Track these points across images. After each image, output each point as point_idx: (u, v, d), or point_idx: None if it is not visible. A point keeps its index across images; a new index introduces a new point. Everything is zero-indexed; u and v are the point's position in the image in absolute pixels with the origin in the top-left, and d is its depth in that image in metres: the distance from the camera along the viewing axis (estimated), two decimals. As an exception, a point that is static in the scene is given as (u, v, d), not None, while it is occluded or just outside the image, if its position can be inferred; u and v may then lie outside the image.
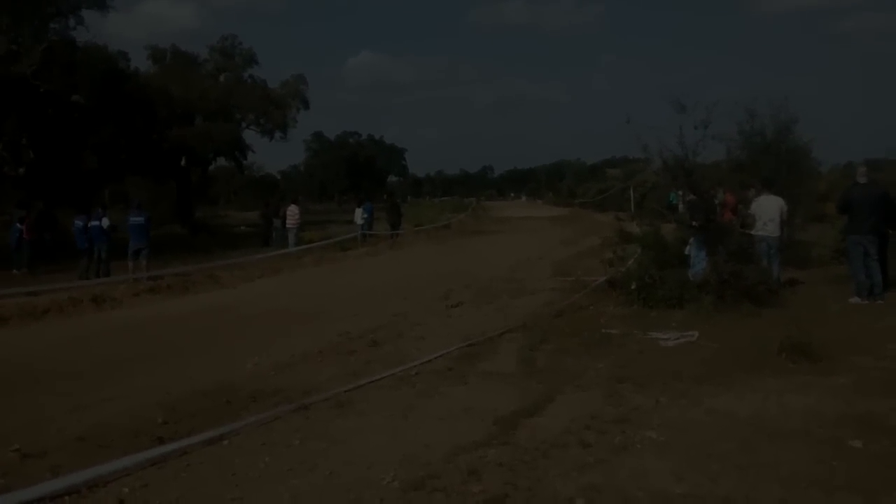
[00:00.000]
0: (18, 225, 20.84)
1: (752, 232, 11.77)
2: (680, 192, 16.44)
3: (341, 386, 6.76)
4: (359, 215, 28.07)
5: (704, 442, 5.02)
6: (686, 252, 11.87)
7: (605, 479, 4.41)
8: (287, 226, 25.46)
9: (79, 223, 18.29)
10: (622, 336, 8.67)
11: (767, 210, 11.70)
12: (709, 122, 10.74)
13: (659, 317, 9.71)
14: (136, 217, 17.61)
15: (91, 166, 31.88)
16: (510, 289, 13.31)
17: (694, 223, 11.66)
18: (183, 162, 41.32)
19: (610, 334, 8.80)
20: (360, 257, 22.70)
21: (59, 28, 27.45)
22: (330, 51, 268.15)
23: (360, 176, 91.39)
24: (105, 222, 17.78)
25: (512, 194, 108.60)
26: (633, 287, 10.69)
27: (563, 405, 6.04)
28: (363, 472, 4.67)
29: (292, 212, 25.60)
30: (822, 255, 14.24)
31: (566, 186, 62.00)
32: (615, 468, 4.60)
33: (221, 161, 50.04)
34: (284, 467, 4.85)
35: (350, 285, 15.53)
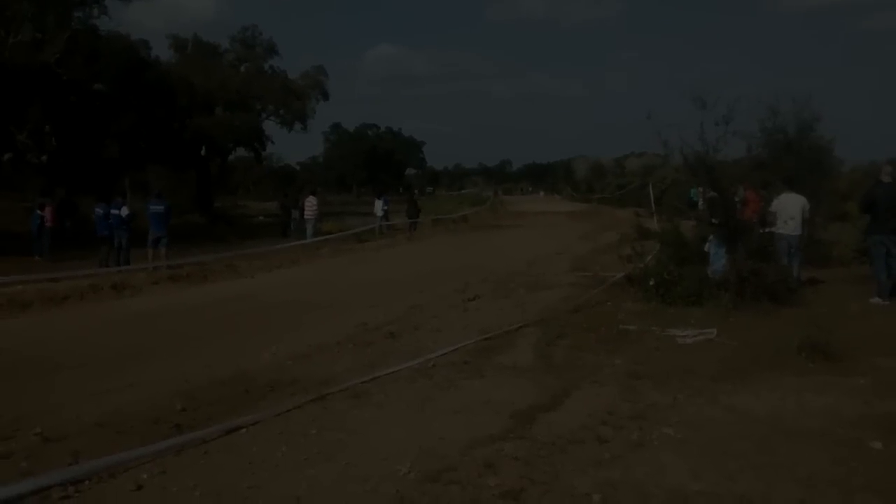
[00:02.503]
0: (39, 212, 21.06)
1: (773, 230, 11.67)
2: (700, 189, 16.35)
3: (358, 377, 6.78)
4: (378, 207, 28.15)
5: (722, 440, 5.00)
6: (705, 249, 11.80)
7: (621, 476, 4.40)
8: (305, 217, 25.57)
9: (99, 211, 18.45)
10: (640, 332, 8.64)
11: (788, 208, 11.60)
12: (730, 118, 10.67)
13: (677, 314, 9.66)
14: (156, 206, 17.73)
15: (112, 154, 32.12)
16: (527, 283, 13.29)
17: (714, 220, 11.59)
18: (203, 151, 41.54)
19: (627, 330, 8.76)
20: (378, 249, 22.76)
21: (83, 16, 27.67)
22: (349, 42, 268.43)
23: (379, 168, 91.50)
24: (124, 211, 17.90)
25: (530, 188, 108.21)
26: (651, 283, 10.65)
27: (580, 400, 6.03)
28: (380, 464, 4.69)
29: (311, 203, 25.69)
30: (844, 254, 14.13)
31: (584, 182, 61.72)
32: (632, 464, 4.59)
33: (241, 151, 50.20)
34: (301, 457, 4.87)
35: (367, 277, 15.56)
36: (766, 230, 11.84)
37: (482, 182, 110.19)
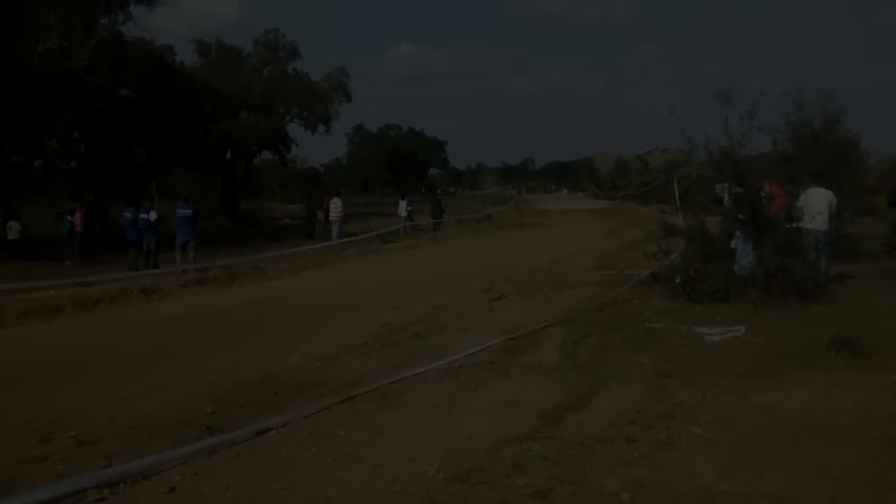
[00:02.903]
0: (69, 217, 21.38)
1: (800, 225, 11.55)
2: (725, 185, 16.20)
3: (385, 378, 6.82)
4: (402, 207, 28.21)
5: (751, 438, 4.97)
6: (732, 245, 11.71)
7: (650, 475, 4.40)
8: (330, 218, 25.68)
9: (127, 215, 18.69)
10: (666, 330, 8.60)
11: (816, 203, 11.47)
12: (755, 112, 10.58)
13: (704, 311, 9.59)
14: (184, 210, 17.91)
15: (139, 159, 32.54)
16: (552, 282, 13.26)
17: (740, 216, 11.49)
18: (228, 155, 41.93)
19: (654, 328, 8.73)
20: (403, 249, 22.81)
21: (108, 23, 28.04)
22: (370, 42, 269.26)
23: (402, 169, 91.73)
24: (153, 216, 18.14)
25: (553, 187, 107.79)
26: (677, 281, 10.59)
27: (607, 399, 6.02)
28: (408, 464, 4.72)
29: (335, 204, 25.79)
30: (872, 249, 13.94)
31: (608, 179, 61.42)
32: (661, 464, 4.58)
33: (266, 154, 50.62)
34: (330, 458, 4.91)
35: (393, 277, 15.62)
36: (793, 225, 11.71)
37: (497, 181, 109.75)
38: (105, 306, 12.24)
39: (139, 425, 5.78)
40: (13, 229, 21.50)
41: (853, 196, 15.63)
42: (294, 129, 47.48)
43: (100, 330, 10.45)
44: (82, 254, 20.84)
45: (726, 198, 15.78)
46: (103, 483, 4.47)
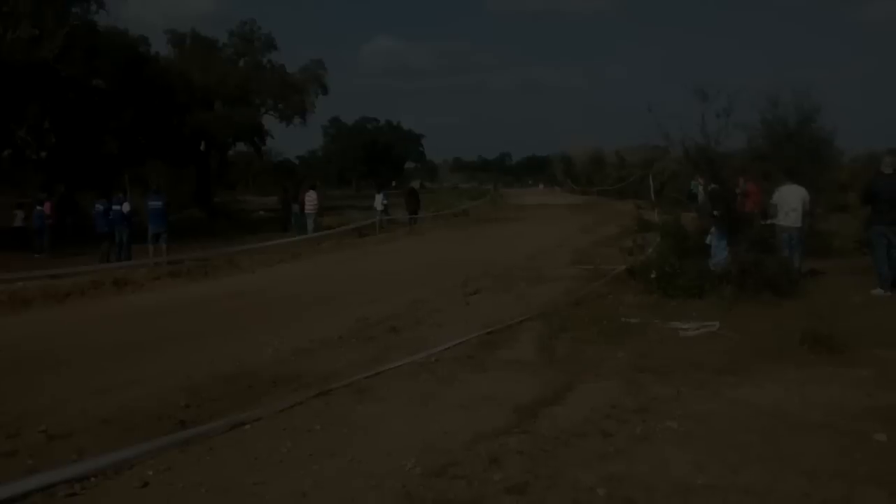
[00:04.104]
0: (38, 208, 21.10)
1: (774, 222, 11.66)
2: (700, 181, 16.33)
3: (361, 372, 6.79)
4: (378, 201, 28.12)
5: (725, 433, 5.00)
6: (707, 241, 11.80)
7: (626, 469, 4.41)
8: (306, 211, 25.55)
9: (99, 207, 18.49)
10: (642, 325, 8.64)
11: (789, 200, 11.59)
12: (731, 110, 10.66)
13: (679, 306, 9.66)
14: (154, 201, 17.78)
15: (111, 150, 32.10)
16: (529, 276, 13.29)
17: (715, 212, 11.58)
18: (202, 147, 41.50)
19: (629, 323, 8.77)
20: (379, 243, 22.75)
21: (80, 12, 27.57)
22: (347, 35, 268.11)
23: (378, 162, 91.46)
24: (126, 207, 17.96)
25: (530, 182, 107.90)
26: (652, 276, 10.65)
27: (583, 394, 6.04)
28: (384, 459, 4.70)
29: (311, 197, 25.67)
30: (845, 245, 14.11)
31: (584, 174, 61.53)
32: (636, 458, 4.59)
33: (240, 146, 50.26)
34: (306, 453, 4.88)
35: (368, 271, 15.56)
36: (767, 222, 11.82)
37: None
38: (76, 299, 12.10)
39: (111, 419, 5.70)
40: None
41: (826, 193, 15.84)
42: (269, 121, 47.15)
43: (70, 323, 10.32)
44: (53, 246, 20.57)
45: (701, 194, 15.91)
46: (74, 478, 4.41)
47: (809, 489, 4.09)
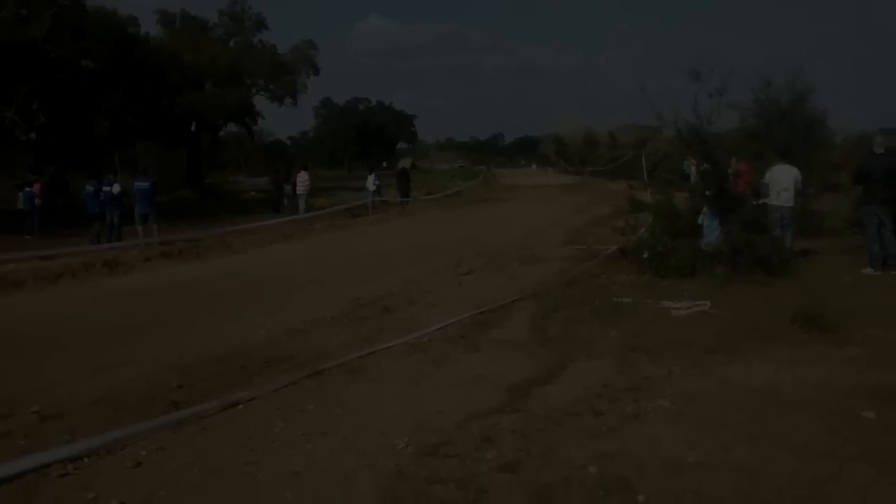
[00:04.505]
0: (28, 189, 20.95)
1: (766, 201, 11.68)
2: (693, 161, 16.34)
3: (354, 352, 6.80)
4: (370, 182, 28.02)
5: (717, 411, 5.03)
6: (699, 221, 11.83)
7: (617, 447, 4.43)
8: (297, 192, 25.50)
9: (89, 188, 18.37)
10: (634, 305, 8.66)
11: (781, 179, 11.59)
12: (724, 90, 10.65)
13: (671, 286, 9.68)
14: (141, 182, 17.68)
15: (101, 131, 31.86)
16: (521, 257, 13.29)
17: (707, 192, 11.59)
18: (193, 127, 41.13)
19: (622, 303, 8.79)
20: (371, 224, 22.72)
21: (68, -8, 27.24)
22: (339, 15, 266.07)
23: (370, 143, 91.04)
24: (116, 188, 17.86)
25: (522, 162, 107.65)
26: (645, 256, 10.67)
27: (576, 373, 6.06)
28: (377, 438, 4.71)
29: (302, 178, 25.61)
30: (836, 225, 14.15)
31: (577, 154, 61.42)
32: (628, 436, 4.61)
33: (232, 127, 49.85)
34: (299, 432, 4.89)
35: (361, 252, 15.53)
36: (759, 202, 11.84)
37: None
38: (67, 280, 12.05)
39: (103, 400, 5.70)
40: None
41: (818, 173, 15.86)
42: (260, 101, 46.75)
43: (62, 304, 10.28)
44: (43, 227, 20.45)
45: (693, 174, 15.93)
46: (67, 458, 4.42)
47: (799, 467, 4.12)
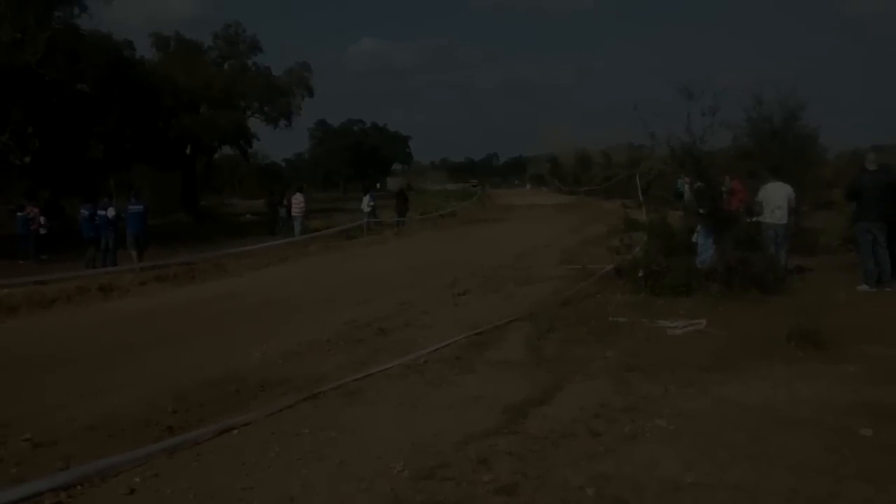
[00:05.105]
0: (19, 214, 20.92)
1: (760, 219, 11.72)
2: (687, 180, 16.39)
3: (350, 375, 6.77)
4: (365, 203, 28.06)
5: (714, 430, 5.02)
6: (693, 240, 11.84)
7: (615, 468, 4.42)
8: (293, 214, 25.52)
9: (85, 212, 18.35)
10: (630, 324, 8.66)
11: (775, 197, 11.64)
12: (716, 108, 10.70)
13: (666, 305, 9.69)
14: (135, 206, 17.67)
15: (96, 155, 31.86)
16: (517, 277, 13.30)
17: (701, 211, 11.62)
18: (188, 150, 41.30)
19: (617, 322, 8.78)
20: (366, 245, 22.71)
21: (63, 16, 27.36)
22: (333, 36, 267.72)
23: (365, 164, 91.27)
24: (111, 212, 17.86)
25: (517, 182, 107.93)
26: (640, 275, 10.67)
27: (572, 394, 6.04)
28: (373, 462, 4.68)
29: (297, 200, 25.64)
30: (830, 242, 14.19)
31: (571, 174, 61.68)
32: (625, 457, 4.60)
33: (226, 149, 50.06)
34: (294, 456, 4.86)
35: (356, 273, 15.52)
36: (753, 220, 11.87)
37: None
38: (62, 305, 12.01)
39: (98, 426, 5.66)
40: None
41: (811, 190, 15.92)
42: (255, 124, 46.96)
43: (56, 329, 10.24)
44: (38, 252, 20.41)
45: (687, 192, 15.97)
46: (60, 486, 4.37)
47: (797, 485, 4.11)
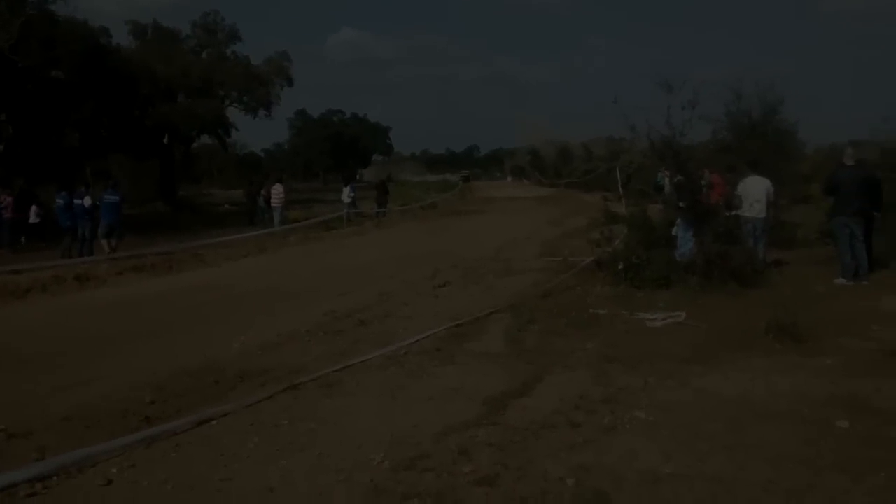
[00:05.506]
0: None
1: (739, 213, 11.80)
2: (666, 173, 16.48)
3: (329, 366, 6.74)
4: (346, 194, 27.96)
5: (692, 422, 5.05)
6: (673, 233, 11.91)
7: (594, 459, 4.43)
8: (272, 204, 25.38)
9: (60, 201, 18.14)
10: (610, 316, 8.68)
11: (754, 191, 11.73)
12: (696, 102, 10.74)
13: (646, 297, 9.73)
14: (111, 196, 17.48)
15: (72, 143, 31.51)
16: (497, 269, 13.30)
17: (681, 204, 11.68)
18: (166, 139, 40.89)
19: (597, 314, 8.81)
20: (346, 236, 22.63)
21: (37, 2, 26.94)
22: (313, 26, 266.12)
23: (345, 155, 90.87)
24: (87, 201, 17.66)
25: (498, 174, 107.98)
26: (620, 267, 10.71)
27: (552, 385, 6.05)
28: (353, 453, 4.66)
29: (277, 190, 25.49)
30: (808, 236, 14.33)
31: (551, 167, 61.78)
32: (604, 448, 4.62)
33: (205, 139, 49.57)
34: (273, 448, 4.82)
35: (336, 265, 15.46)
36: (732, 213, 11.97)
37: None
38: (37, 294, 11.85)
39: (74, 417, 5.60)
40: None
41: (790, 184, 16.06)
42: (234, 113, 46.54)
43: (31, 319, 10.12)
44: (12, 241, 20.18)
45: (667, 186, 16.06)
46: (35, 477, 4.31)
47: (775, 476, 4.14)
